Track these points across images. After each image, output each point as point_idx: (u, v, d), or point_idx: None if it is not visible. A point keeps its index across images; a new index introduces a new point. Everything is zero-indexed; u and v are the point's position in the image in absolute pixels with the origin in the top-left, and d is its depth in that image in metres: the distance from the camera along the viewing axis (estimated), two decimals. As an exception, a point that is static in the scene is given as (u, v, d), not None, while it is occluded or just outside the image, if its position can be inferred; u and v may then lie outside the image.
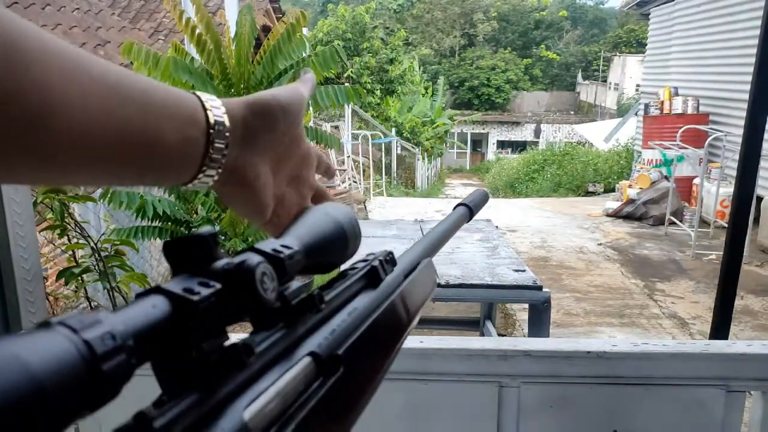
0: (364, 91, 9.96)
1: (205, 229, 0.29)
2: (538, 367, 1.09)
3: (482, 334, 3.18)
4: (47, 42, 0.31)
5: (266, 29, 6.50)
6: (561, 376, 1.09)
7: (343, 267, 0.42)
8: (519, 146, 27.43)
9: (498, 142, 29.94)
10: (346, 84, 8.05)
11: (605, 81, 27.83)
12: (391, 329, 0.41)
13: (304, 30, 5.28)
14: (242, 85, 5.12)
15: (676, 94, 8.44)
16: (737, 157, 1.80)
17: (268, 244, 0.31)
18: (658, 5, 10.36)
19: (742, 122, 1.73)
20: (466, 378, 1.10)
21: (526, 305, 2.39)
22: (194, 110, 0.39)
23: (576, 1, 38.06)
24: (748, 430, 1.14)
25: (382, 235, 2.97)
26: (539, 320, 2.21)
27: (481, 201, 0.61)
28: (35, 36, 0.30)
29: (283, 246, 0.32)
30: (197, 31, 4.78)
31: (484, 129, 29.92)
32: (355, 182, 10.35)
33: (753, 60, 1.68)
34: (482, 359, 1.09)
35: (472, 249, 2.72)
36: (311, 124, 5.86)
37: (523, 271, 2.37)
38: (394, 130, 15.37)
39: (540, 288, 2.20)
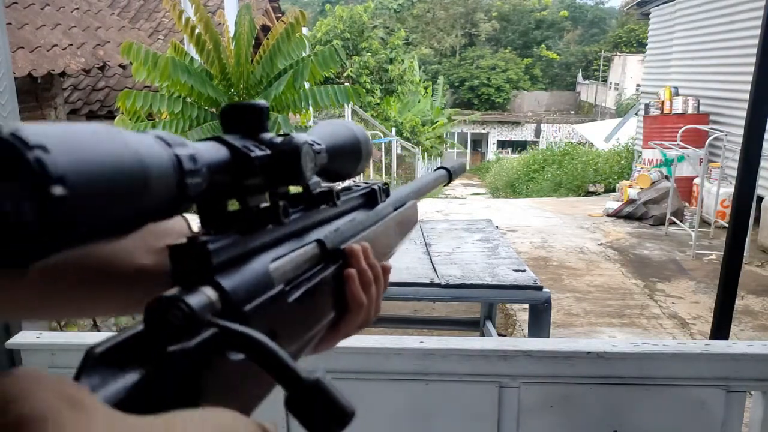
0: (364, 90, 9.96)
1: (261, 101, 0.33)
2: (538, 367, 1.09)
3: (482, 334, 3.18)
4: None
5: (265, 29, 6.50)
6: (561, 376, 1.09)
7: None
8: (519, 146, 27.42)
9: (498, 142, 29.92)
10: (346, 84, 8.05)
11: (605, 81, 27.82)
12: (379, 246, 0.46)
13: (304, 29, 5.28)
14: (241, 85, 5.11)
15: (677, 94, 8.44)
16: (737, 157, 1.79)
17: (301, 137, 0.34)
18: (659, 5, 10.36)
19: (743, 122, 1.73)
20: (466, 378, 1.10)
21: (527, 305, 2.39)
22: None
23: (576, 0, 38.04)
24: (748, 430, 1.14)
25: (382, 235, 2.98)
26: (539, 320, 2.21)
27: (459, 170, 0.68)
28: None
29: (313, 141, 0.36)
30: (196, 30, 4.78)
31: (484, 129, 29.90)
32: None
33: (753, 60, 1.67)
34: (482, 359, 1.09)
35: (473, 249, 2.72)
36: (310, 123, 5.85)
37: (524, 271, 2.37)
38: (394, 130, 15.37)
39: (540, 288, 2.20)
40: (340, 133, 0.43)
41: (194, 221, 0.39)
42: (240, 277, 0.29)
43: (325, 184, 0.40)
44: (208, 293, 0.26)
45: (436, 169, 0.66)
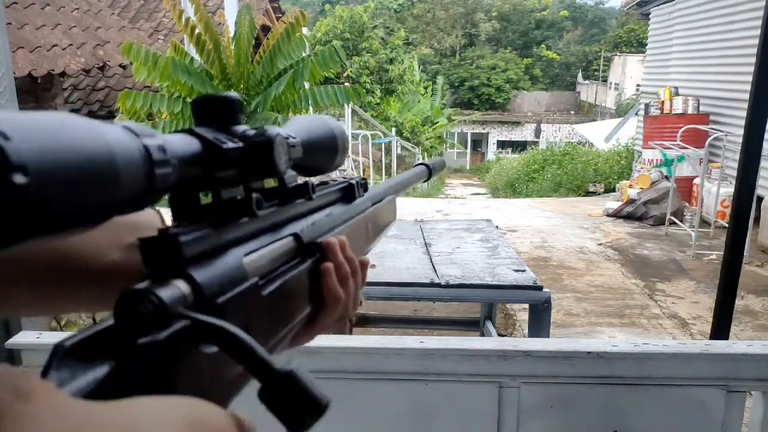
0: (364, 90, 9.94)
1: (233, 93, 0.33)
2: (539, 367, 1.09)
3: (482, 334, 3.17)
4: None
5: (266, 29, 6.50)
6: (561, 377, 1.09)
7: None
8: (519, 146, 27.41)
9: (498, 142, 29.91)
10: (346, 84, 8.05)
11: (605, 81, 27.81)
12: (356, 240, 0.46)
13: (304, 29, 5.28)
14: (242, 85, 5.11)
15: (677, 94, 8.44)
16: (737, 157, 1.79)
17: (275, 129, 0.34)
18: (659, 5, 10.36)
19: (743, 122, 1.73)
20: (466, 378, 1.10)
21: (527, 305, 2.39)
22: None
23: (576, 0, 38.04)
24: (748, 430, 1.14)
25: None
26: (539, 320, 2.21)
27: (439, 166, 0.70)
28: None
29: (288, 134, 0.36)
30: (196, 30, 4.78)
31: (484, 129, 29.89)
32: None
33: (753, 60, 1.67)
34: (482, 359, 1.09)
35: (472, 249, 2.72)
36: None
37: (524, 271, 2.37)
38: (394, 130, 15.37)
39: (540, 288, 2.20)
40: (315, 127, 0.42)
41: (167, 215, 0.39)
42: (213, 270, 0.29)
43: (300, 179, 0.40)
44: (180, 286, 0.26)
45: (415, 165, 0.67)
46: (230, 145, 0.30)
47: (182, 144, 0.28)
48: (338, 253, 0.39)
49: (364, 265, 0.43)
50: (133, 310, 0.25)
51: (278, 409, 0.25)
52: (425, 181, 0.68)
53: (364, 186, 0.50)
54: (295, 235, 0.37)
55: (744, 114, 1.72)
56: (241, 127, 0.32)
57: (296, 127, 0.40)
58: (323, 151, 0.43)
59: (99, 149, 0.21)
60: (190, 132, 0.29)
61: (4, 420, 0.18)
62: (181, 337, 0.25)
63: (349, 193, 0.48)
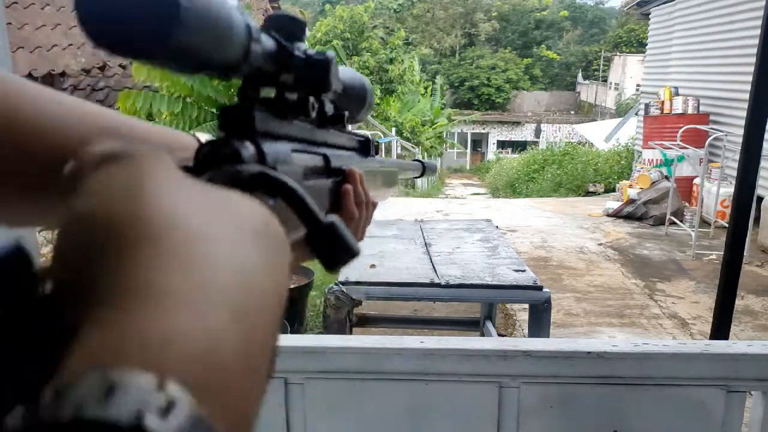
0: (364, 91, 9.89)
1: (301, 16, 0.38)
2: (538, 367, 1.09)
3: (482, 334, 3.18)
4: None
5: (266, 29, 6.49)
6: (561, 377, 1.09)
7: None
8: (519, 146, 27.40)
9: (498, 142, 29.91)
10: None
11: (605, 81, 27.81)
12: (368, 185, 0.51)
13: (304, 30, 5.27)
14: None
15: (677, 94, 8.44)
16: (737, 157, 1.79)
17: (332, 53, 0.38)
18: (659, 5, 10.36)
19: (743, 122, 1.73)
20: (466, 378, 1.10)
21: (527, 305, 2.39)
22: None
23: (576, 1, 38.04)
24: (748, 430, 1.14)
25: (382, 235, 2.97)
26: (539, 320, 2.21)
27: (431, 167, 0.76)
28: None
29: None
30: (197, 31, 4.77)
31: (484, 129, 29.89)
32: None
33: (753, 60, 1.68)
34: (482, 359, 1.09)
35: (473, 249, 2.72)
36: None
37: (524, 271, 2.37)
38: (394, 130, 15.36)
39: (540, 288, 2.20)
40: (352, 75, 0.48)
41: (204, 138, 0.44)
42: (272, 147, 0.33)
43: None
44: (250, 148, 0.31)
45: (413, 160, 0.74)
46: (297, 53, 0.35)
47: (265, 37, 0.32)
48: (357, 181, 0.44)
49: (374, 205, 0.49)
50: (213, 153, 0.29)
51: (320, 251, 0.30)
52: (417, 177, 0.75)
53: (376, 148, 0.56)
54: (325, 157, 0.42)
55: (744, 114, 1.72)
56: (304, 45, 0.36)
57: (338, 72, 0.44)
58: (356, 98, 0.48)
59: (225, 10, 0.26)
60: (267, 32, 0.33)
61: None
62: (249, 184, 0.28)
63: (365, 146, 0.53)
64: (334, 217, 0.30)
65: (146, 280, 0.18)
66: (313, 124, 0.41)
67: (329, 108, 0.42)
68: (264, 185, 0.29)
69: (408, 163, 0.71)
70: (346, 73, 0.47)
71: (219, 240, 0.20)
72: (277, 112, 0.35)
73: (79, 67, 5.24)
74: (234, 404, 0.17)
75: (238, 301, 0.19)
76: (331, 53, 0.37)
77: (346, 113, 0.45)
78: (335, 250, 0.30)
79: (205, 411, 0.16)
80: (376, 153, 0.56)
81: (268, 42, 0.32)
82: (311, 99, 0.37)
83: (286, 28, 0.35)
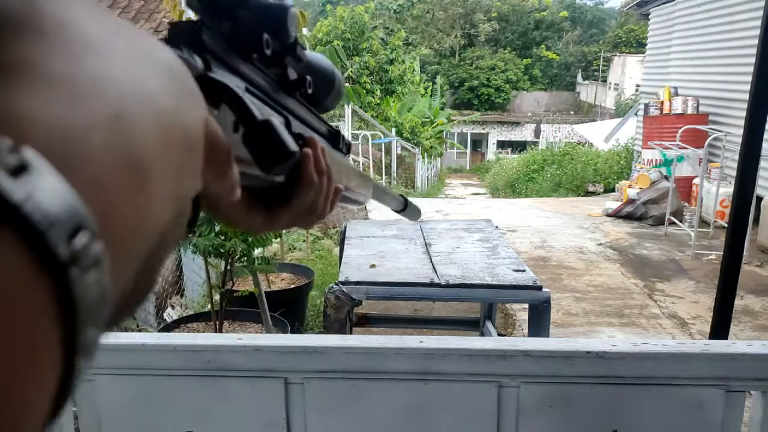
0: (364, 91, 9.94)
1: None
2: (538, 367, 1.09)
3: (482, 334, 3.18)
4: None
5: (266, 29, 6.49)
6: (561, 376, 1.09)
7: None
8: (519, 146, 27.42)
9: (498, 142, 29.94)
10: (346, 84, 8.04)
11: (605, 81, 27.82)
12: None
13: (304, 30, 5.28)
14: (242, 85, 5.11)
15: (676, 94, 8.44)
16: (737, 157, 1.80)
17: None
18: (658, 5, 10.36)
19: (742, 122, 1.73)
20: (466, 378, 1.10)
21: (526, 305, 2.39)
22: None
23: (576, 1, 38.05)
24: (748, 430, 1.14)
25: (382, 235, 2.97)
26: (539, 320, 2.21)
27: (414, 211, 0.73)
28: None
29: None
30: (197, 31, 4.78)
31: (484, 129, 29.91)
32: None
33: (753, 60, 1.68)
34: (482, 359, 1.09)
35: (472, 249, 2.72)
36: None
37: (523, 271, 2.37)
38: (394, 130, 15.36)
39: (540, 288, 2.20)
40: (321, 57, 0.46)
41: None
42: (223, 75, 0.31)
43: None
44: (198, 61, 0.29)
45: (400, 195, 0.70)
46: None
47: None
48: (318, 149, 0.40)
49: (337, 191, 0.45)
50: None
51: (255, 149, 0.30)
52: (395, 211, 0.71)
53: (348, 147, 0.51)
54: (286, 118, 0.38)
55: (744, 114, 1.72)
56: None
57: (303, 52, 0.42)
58: (322, 80, 0.45)
59: None
60: None
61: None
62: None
63: (335, 138, 0.49)
64: (271, 117, 0.30)
65: (28, 60, 0.16)
66: (273, 80, 0.39)
67: (292, 75, 0.40)
68: (206, 88, 0.27)
69: (388, 189, 0.66)
70: (314, 55, 0.45)
71: (116, 51, 0.19)
72: (231, 42, 0.34)
73: (78, 67, 5.24)
74: (102, 198, 0.16)
75: (126, 105, 0.18)
76: (289, 2, 0.36)
77: (308, 79, 0.42)
78: (270, 148, 0.30)
79: (68, 185, 0.15)
80: (348, 152, 0.52)
81: None
82: (266, 36, 0.35)
83: None
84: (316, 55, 0.46)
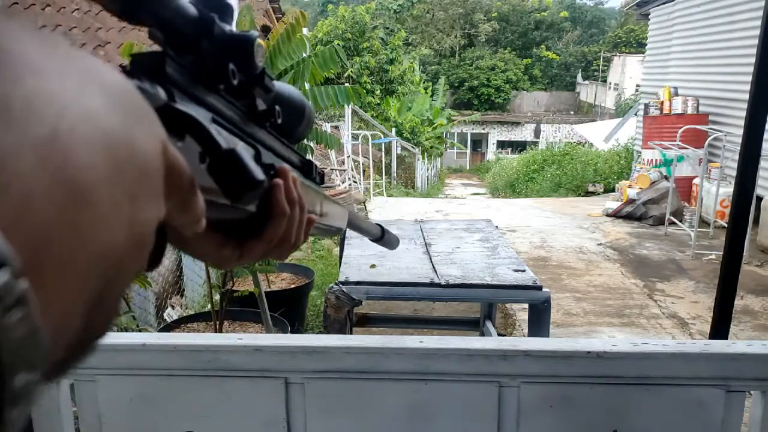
0: (364, 91, 9.93)
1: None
2: (538, 367, 1.09)
3: (482, 334, 3.18)
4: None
5: (266, 29, 6.50)
6: (561, 376, 1.09)
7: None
8: (519, 146, 27.42)
9: (498, 142, 29.94)
10: (346, 84, 8.05)
11: (605, 81, 27.82)
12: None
13: (304, 30, 5.28)
14: (242, 86, 5.11)
15: (676, 94, 8.44)
16: (737, 157, 1.80)
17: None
18: (658, 5, 10.36)
19: (742, 122, 1.73)
20: (466, 378, 1.10)
21: (526, 305, 2.39)
22: None
23: (576, 1, 38.04)
24: (748, 430, 1.14)
25: (382, 235, 2.97)
26: (539, 320, 2.21)
27: (393, 240, 0.72)
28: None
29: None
30: (197, 31, 4.77)
31: (483, 129, 29.92)
32: (355, 182, 10.35)
33: (753, 60, 1.68)
34: (482, 359, 1.09)
35: (472, 249, 2.72)
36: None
37: (523, 271, 2.37)
38: (394, 130, 15.36)
39: (540, 288, 2.20)
40: (290, 88, 0.46)
41: None
42: (187, 106, 0.30)
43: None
44: (161, 91, 0.28)
45: (377, 224, 0.69)
46: (219, 24, 0.33)
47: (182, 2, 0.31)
48: (290, 179, 0.39)
49: (310, 222, 0.44)
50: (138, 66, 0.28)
51: (221, 180, 0.29)
52: (372, 240, 0.70)
53: (321, 176, 0.50)
54: (256, 149, 0.37)
55: (743, 114, 1.72)
56: (228, 28, 0.35)
57: (274, 83, 0.41)
58: (292, 112, 0.45)
59: None
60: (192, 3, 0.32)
61: None
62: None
63: (307, 168, 0.48)
64: (237, 145, 0.29)
65: None
66: (242, 111, 0.38)
67: (261, 106, 0.39)
68: (169, 119, 0.26)
69: (363, 218, 0.65)
70: (284, 86, 0.45)
71: (58, 73, 0.18)
72: (197, 73, 0.33)
73: (78, 67, 5.24)
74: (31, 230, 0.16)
75: (64, 124, 0.17)
76: (253, 33, 0.36)
77: (277, 109, 0.41)
78: (236, 177, 0.29)
79: None
80: (321, 183, 0.50)
81: (189, 8, 0.32)
82: (231, 66, 0.34)
83: (213, 3, 0.34)
84: (285, 86, 0.46)
